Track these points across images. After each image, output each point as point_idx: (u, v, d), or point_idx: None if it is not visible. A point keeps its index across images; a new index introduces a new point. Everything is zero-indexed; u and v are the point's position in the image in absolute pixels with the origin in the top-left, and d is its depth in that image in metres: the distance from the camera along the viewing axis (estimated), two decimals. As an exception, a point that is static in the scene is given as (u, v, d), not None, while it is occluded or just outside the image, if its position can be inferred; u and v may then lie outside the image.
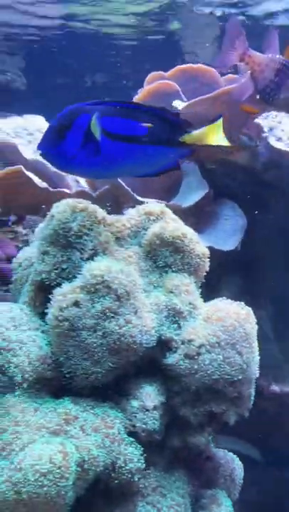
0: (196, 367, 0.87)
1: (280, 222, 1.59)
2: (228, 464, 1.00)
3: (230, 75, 1.45)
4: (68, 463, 0.74)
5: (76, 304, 0.83)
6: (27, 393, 0.82)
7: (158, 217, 0.97)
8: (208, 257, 0.97)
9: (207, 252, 0.97)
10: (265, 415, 1.49)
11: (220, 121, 0.88)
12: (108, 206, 1.19)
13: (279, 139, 1.45)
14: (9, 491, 0.72)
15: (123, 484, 0.83)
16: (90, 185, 1.33)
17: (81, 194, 1.24)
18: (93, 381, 0.84)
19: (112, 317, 0.83)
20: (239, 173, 1.53)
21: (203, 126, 0.87)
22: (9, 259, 1.42)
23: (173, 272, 0.94)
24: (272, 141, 1.43)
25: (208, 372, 0.87)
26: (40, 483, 0.72)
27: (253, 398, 0.94)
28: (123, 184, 1.26)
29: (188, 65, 1.45)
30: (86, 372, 0.83)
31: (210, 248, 0.99)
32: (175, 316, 0.90)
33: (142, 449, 0.84)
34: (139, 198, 1.25)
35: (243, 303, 0.94)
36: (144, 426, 0.86)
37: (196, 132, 0.86)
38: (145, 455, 0.84)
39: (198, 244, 0.96)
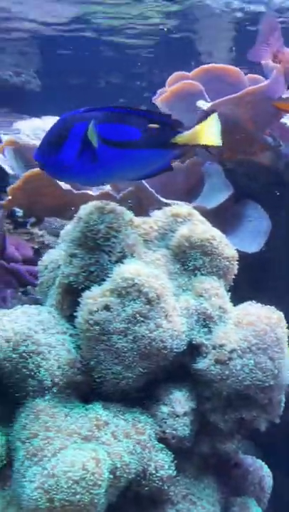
0: (227, 372, 0.86)
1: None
2: (257, 471, 0.99)
3: (251, 75, 1.43)
4: (101, 470, 0.72)
5: (107, 307, 0.82)
6: (57, 398, 0.81)
7: (185, 219, 0.96)
8: (237, 260, 0.95)
9: (236, 254, 0.95)
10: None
11: (213, 118, 0.85)
12: (130, 208, 1.18)
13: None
14: (41, 498, 0.70)
15: (153, 492, 0.82)
16: (113, 187, 1.32)
17: (105, 196, 1.23)
18: (124, 386, 0.82)
19: (143, 321, 0.82)
20: (262, 174, 1.51)
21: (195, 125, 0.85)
22: (25, 261, 1.42)
23: (202, 275, 0.92)
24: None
25: (240, 378, 0.86)
26: (73, 491, 0.70)
27: (283, 404, 0.92)
28: (147, 186, 1.24)
29: (211, 64, 1.42)
30: (117, 377, 0.82)
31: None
32: (205, 320, 0.88)
33: (173, 455, 0.83)
34: (164, 200, 1.24)
35: (273, 307, 0.92)
36: (174, 432, 0.84)
37: (187, 133, 0.85)
38: (175, 462, 0.83)
39: (227, 247, 0.94)
